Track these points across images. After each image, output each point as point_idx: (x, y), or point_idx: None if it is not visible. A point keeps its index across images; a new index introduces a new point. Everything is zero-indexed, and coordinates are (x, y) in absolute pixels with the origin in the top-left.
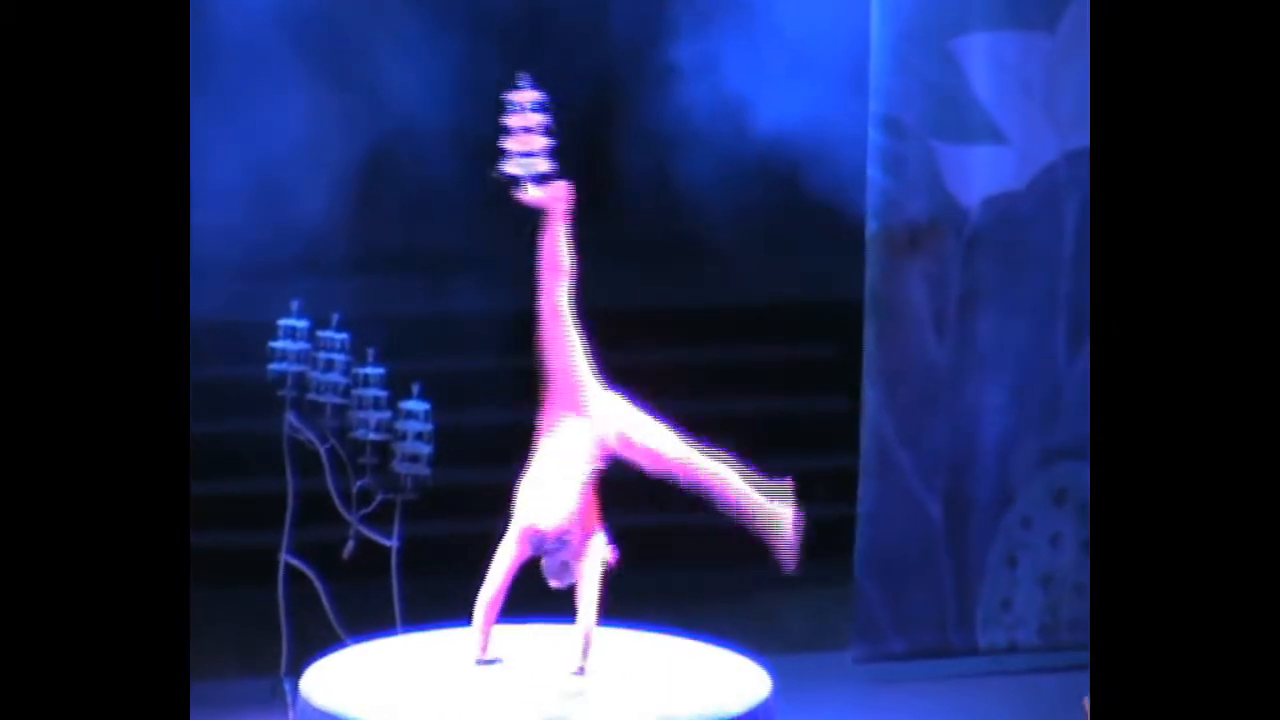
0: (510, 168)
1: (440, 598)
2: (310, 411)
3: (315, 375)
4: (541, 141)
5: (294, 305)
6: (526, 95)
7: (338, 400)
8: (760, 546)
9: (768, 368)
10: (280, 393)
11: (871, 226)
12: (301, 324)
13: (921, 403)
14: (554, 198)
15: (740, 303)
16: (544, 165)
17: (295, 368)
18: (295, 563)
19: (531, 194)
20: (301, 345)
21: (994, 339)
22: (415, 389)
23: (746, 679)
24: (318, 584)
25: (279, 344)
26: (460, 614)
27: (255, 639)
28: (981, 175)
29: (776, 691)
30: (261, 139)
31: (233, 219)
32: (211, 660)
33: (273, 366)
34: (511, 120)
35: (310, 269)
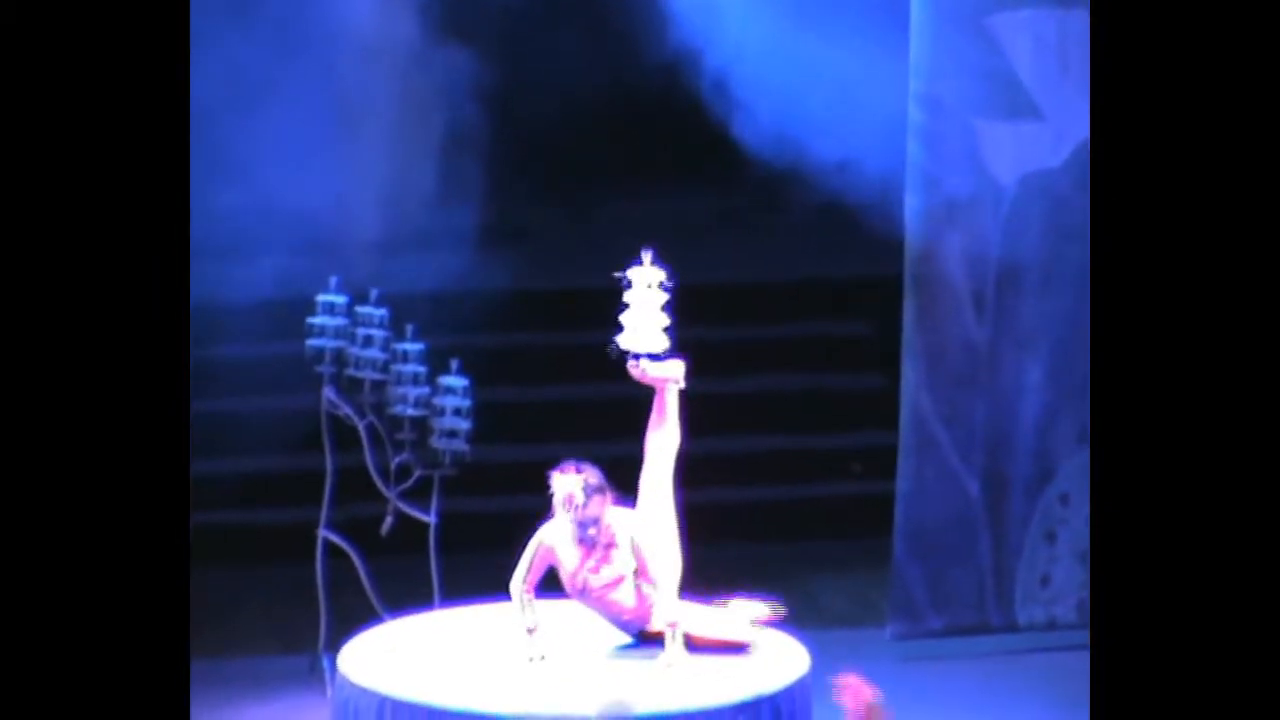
0: (625, 342)
1: (478, 573)
2: (349, 387)
3: (354, 351)
4: (661, 320)
5: (332, 281)
6: (647, 272)
7: (376, 376)
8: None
9: (807, 344)
10: (319, 368)
11: (910, 203)
12: (340, 299)
13: (960, 380)
14: (667, 377)
15: (779, 279)
16: (662, 344)
17: (334, 343)
18: (334, 538)
19: (645, 369)
20: (340, 321)
21: (1032, 316)
22: (454, 364)
23: (785, 655)
24: (356, 560)
25: (317, 320)
26: (499, 590)
27: (293, 615)
28: (1019, 152)
29: (815, 668)
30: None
31: (275, 197)
32: (250, 636)
33: (311, 342)
34: (630, 295)
35: (349, 244)
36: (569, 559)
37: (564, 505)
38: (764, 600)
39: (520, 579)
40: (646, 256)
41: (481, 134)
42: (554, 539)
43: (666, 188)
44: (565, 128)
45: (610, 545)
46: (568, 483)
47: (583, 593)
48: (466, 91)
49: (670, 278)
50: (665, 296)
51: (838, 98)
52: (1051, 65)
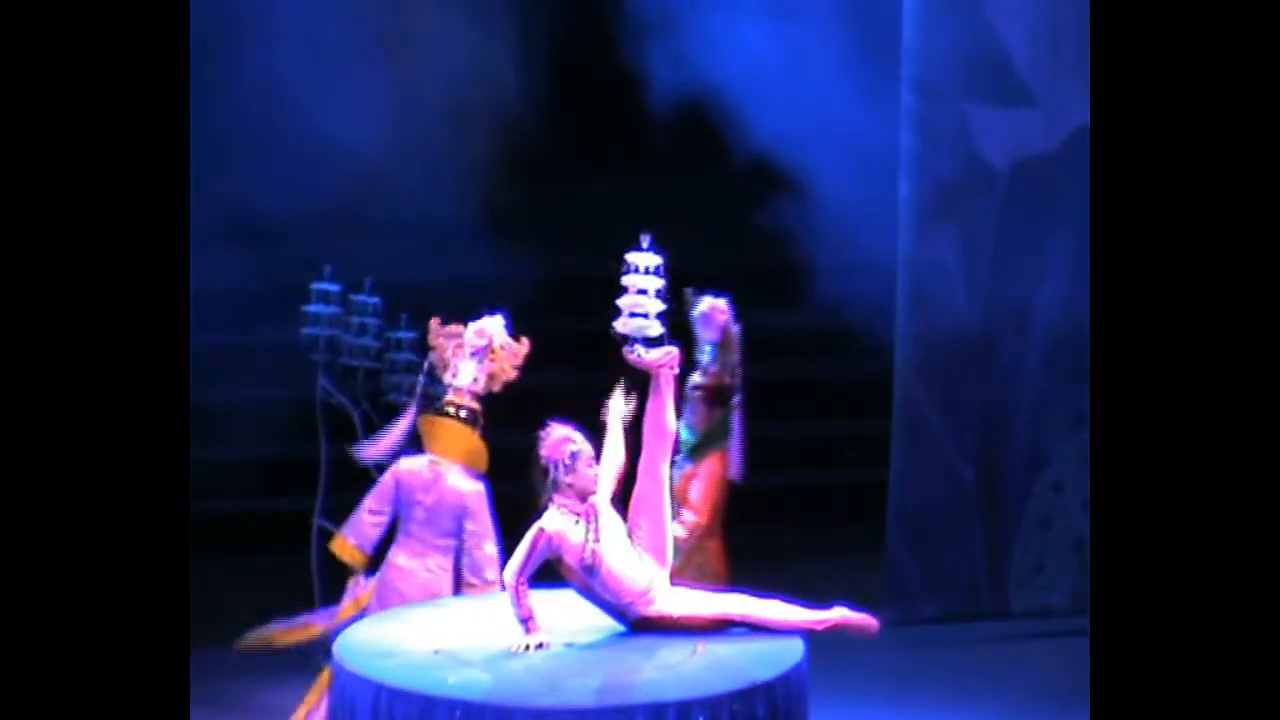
0: (621, 326)
1: None
2: (343, 376)
3: (348, 339)
4: (656, 305)
5: (326, 269)
6: (645, 257)
7: (370, 364)
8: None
9: (801, 331)
10: (313, 357)
11: (903, 189)
12: (334, 288)
13: (953, 366)
14: (662, 362)
15: (769, 269)
16: (656, 329)
17: (328, 332)
18: (329, 526)
19: (640, 355)
20: (334, 310)
21: (1025, 302)
22: None
23: (779, 643)
24: None
25: (311, 308)
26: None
27: (288, 603)
28: (1013, 137)
29: (808, 654)
30: (308, 107)
31: (268, 186)
32: (244, 625)
33: (305, 331)
34: (628, 279)
35: (345, 232)
36: (574, 538)
37: (561, 454)
38: None
39: (515, 569)
40: (645, 241)
41: (477, 119)
42: (556, 525)
43: (661, 178)
44: (565, 116)
45: (595, 517)
46: (563, 434)
47: (591, 571)
48: (461, 78)
49: (667, 265)
50: (661, 282)
51: (831, 87)
52: (1045, 50)
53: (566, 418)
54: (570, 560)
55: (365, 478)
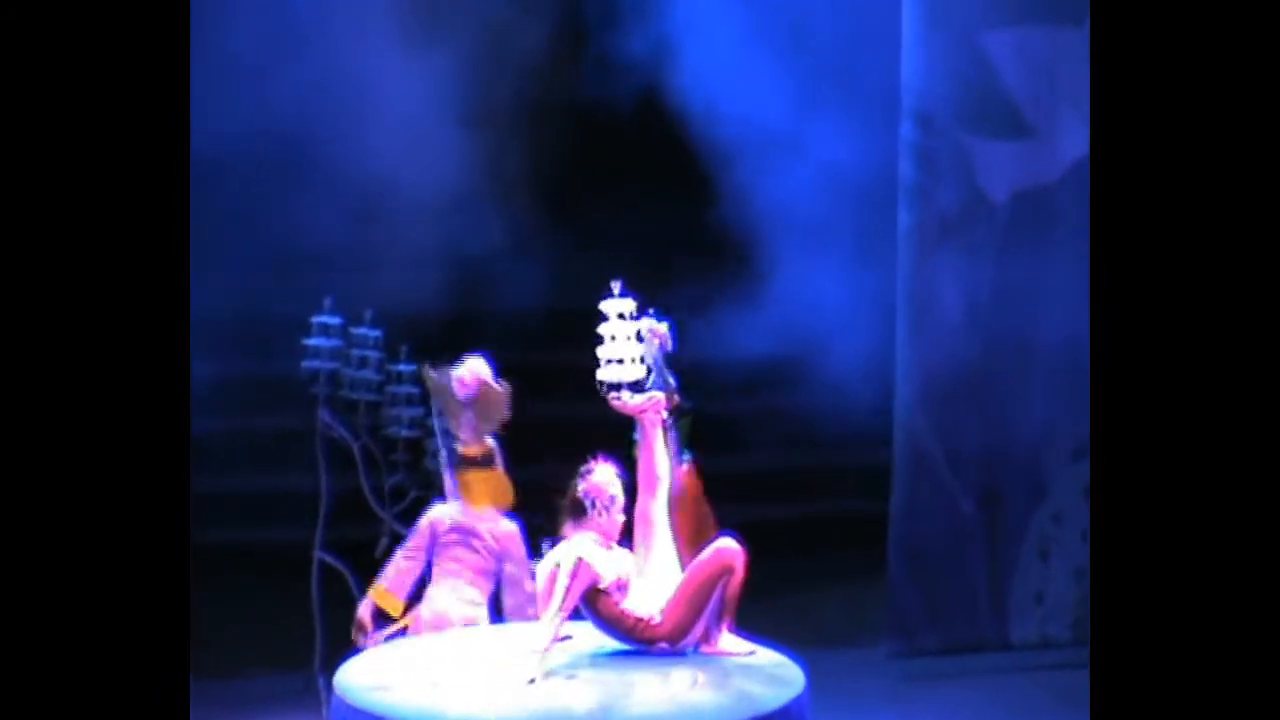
0: (604, 375)
1: None
2: (343, 408)
3: (348, 372)
4: (634, 349)
5: (327, 302)
6: (618, 304)
7: (371, 397)
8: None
9: (803, 364)
10: (313, 390)
11: (902, 221)
12: (335, 321)
13: (954, 398)
14: (644, 407)
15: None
16: (637, 373)
17: (329, 365)
18: (329, 559)
19: (626, 400)
20: (335, 342)
21: (1025, 332)
22: None
23: (781, 674)
24: (351, 580)
25: (312, 341)
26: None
27: (289, 635)
28: (1012, 169)
29: (810, 686)
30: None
31: (267, 215)
32: (245, 656)
33: (306, 364)
34: (604, 328)
35: (344, 265)
36: (607, 561)
37: (603, 495)
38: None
39: (560, 602)
40: (616, 287)
41: (481, 152)
42: (591, 552)
43: (667, 210)
44: (568, 149)
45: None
46: (609, 475)
47: (623, 589)
48: (465, 111)
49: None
50: (638, 325)
51: (831, 119)
52: (1043, 82)
53: (569, 452)
54: (603, 583)
55: (368, 512)
